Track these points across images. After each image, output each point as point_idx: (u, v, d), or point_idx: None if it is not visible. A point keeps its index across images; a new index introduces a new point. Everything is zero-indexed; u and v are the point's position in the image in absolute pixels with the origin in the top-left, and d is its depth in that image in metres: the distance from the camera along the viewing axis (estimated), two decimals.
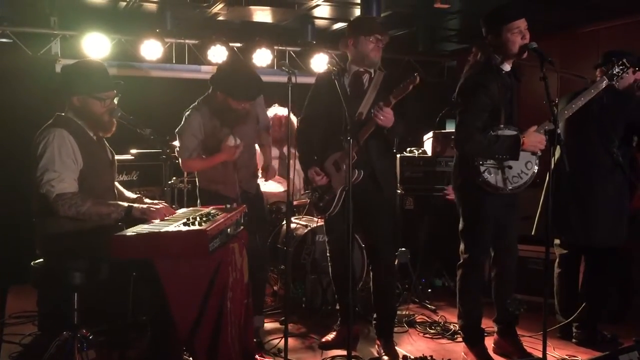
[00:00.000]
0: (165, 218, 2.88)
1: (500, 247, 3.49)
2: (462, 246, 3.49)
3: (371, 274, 3.65)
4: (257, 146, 4.09)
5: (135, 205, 2.94)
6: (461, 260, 3.49)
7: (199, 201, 3.91)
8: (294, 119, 3.99)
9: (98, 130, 3.06)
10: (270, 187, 4.83)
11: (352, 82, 3.53)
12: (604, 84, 3.41)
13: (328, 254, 3.82)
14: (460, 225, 3.48)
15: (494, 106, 3.26)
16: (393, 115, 3.28)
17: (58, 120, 2.98)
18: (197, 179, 3.92)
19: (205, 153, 3.75)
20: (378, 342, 3.62)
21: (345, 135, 3.00)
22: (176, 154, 3.71)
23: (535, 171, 3.30)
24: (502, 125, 3.25)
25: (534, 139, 3.23)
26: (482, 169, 3.27)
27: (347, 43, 3.55)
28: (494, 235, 3.44)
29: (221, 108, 3.65)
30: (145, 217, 2.88)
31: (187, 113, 3.70)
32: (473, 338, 3.52)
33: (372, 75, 3.54)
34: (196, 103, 3.75)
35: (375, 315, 3.66)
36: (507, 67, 3.31)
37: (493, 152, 3.24)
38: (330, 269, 3.83)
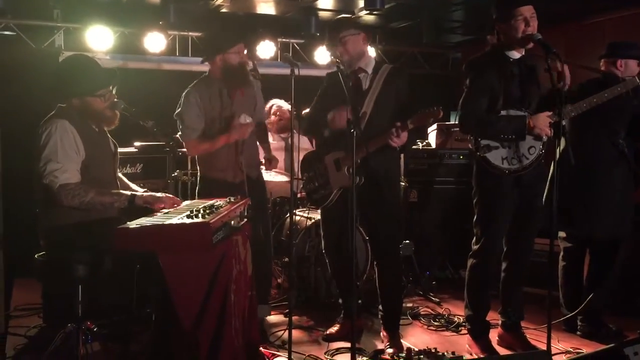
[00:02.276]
0: (169, 210, 2.88)
1: (514, 242, 3.46)
2: (474, 237, 3.47)
3: (376, 268, 3.64)
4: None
5: (138, 193, 2.94)
6: (472, 251, 3.48)
7: (197, 189, 3.80)
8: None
9: (101, 123, 3.06)
10: (274, 178, 4.82)
11: (347, 82, 3.47)
12: (635, 82, 3.37)
13: (323, 248, 3.80)
14: (475, 216, 3.46)
15: (493, 90, 3.24)
16: (406, 136, 3.26)
17: (60, 111, 2.97)
18: (198, 167, 3.82)
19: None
20: (384, 333, 3.62)
21: (349, 128, 2.98)
22: (179, 137, 3.64)
23: (537, 157, 3.26)
24: (503, 109, 3.24)
25: (542, 121, 3.18)
26: (482, 143, 3.27)
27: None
28: (510, 229, 3.41)
29: (220, 85, 3.59)
30: (148, 205, 2.88)
31: (185, 93, 3.61)
32: (478, 330, 3.52)
33: (370, 73, 3.49)
34: (193, 83, 3.66)
35: (381, 307, 3.66)
36: (514, 54, 3.28)
37: (498, 130, 3.22)
38: (327, 263, 3.82)
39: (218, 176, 3.68)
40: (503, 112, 3.24)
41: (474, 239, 3.47)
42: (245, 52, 3.66)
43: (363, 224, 3.77)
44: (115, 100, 3.05)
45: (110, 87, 3.05)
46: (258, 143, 4.05)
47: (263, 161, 3.97)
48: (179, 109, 3.60)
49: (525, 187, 3.33)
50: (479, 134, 3.31)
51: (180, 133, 3.64)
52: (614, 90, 3.35)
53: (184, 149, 4.75)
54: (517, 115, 3.22)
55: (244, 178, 3.65)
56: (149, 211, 2.88)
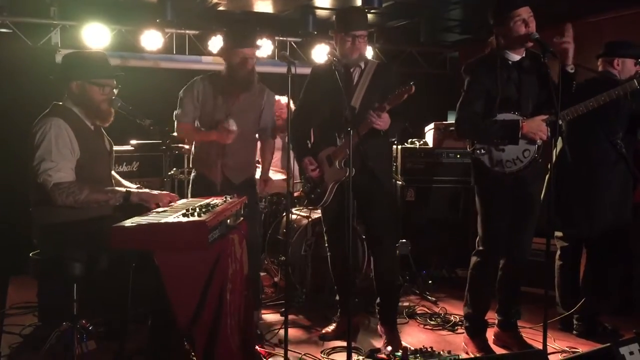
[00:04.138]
0: (165, 208, 2.87)
1: (512, 241, 3.45)
2: (478, 237, 3.48)
3: (372, 264, 3.64)
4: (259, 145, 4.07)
5: (134, 190, 2.93)
6: (475, 250, 3.49)
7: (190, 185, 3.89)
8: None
9: (95, 118, 3.04)
10: (271, 176, 4.80)
11: (341, 75, 3.43)
12: (633, 86, 3.37)
13: (326, 245, 3.81)
14: (478, 215, 3.47)
15: (489, 94, 3.25)
16: (388, 118, 3.25)
17: (55, 109, 2.96)
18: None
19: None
20: (381, 328, 3.62)
21: (345, 126, 2.98)
22: (174, 116, 3.72)
23: (532, 160, 3.26)
24: (498, 113, 3.24)
25: (536, 126, 3.19)
26: (478, 146, 3.31)
27: (334, 37, 3.53)
28: (508, 227, 3.41)
29: (226, 83, 3.63)
30: (143, 202, 2.86)
31: (195, 78, 3.74)
32: (475, 328, 3.52)
33: (363, 68, 3.50)
34: (208, 74, 3.78)
35: (378, 301, 3.65)
36: (514, 57, 3.27)
37: (491, 135, 3.25)
38: (329, 259, 3.82)
39: (202, 171, 3.78)
40: (499, 116, 3.24)
41: (478, 237, 3.48)
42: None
43: (359, 216, 3.76)
44: (113, 97, 3.04)
45: (112, 83, 3.03)
46: (259, 154, 4.06)
47: (259, 165, 3.96)
48: (182, 91, 3.73)
49: (522, 186, 3.33)
50: (473, 139, 3.34)
51: (175, 112, 3.74)
52: (611, 94, 3.36)
53: (181, 145, 4.74)
54: (510, 120, 3.23)
55: (221, 179, 3.69)
56: (144, 209, 2.87)
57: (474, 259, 3.50)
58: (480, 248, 3.45)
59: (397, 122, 3.36)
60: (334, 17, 3.63)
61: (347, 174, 3.19)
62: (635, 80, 3.38)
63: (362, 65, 3.50)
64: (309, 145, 3.70)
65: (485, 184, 3.39)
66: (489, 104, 3.26)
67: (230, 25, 3.66)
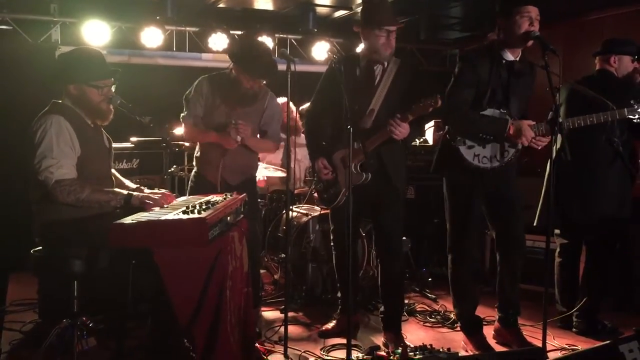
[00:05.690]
0: (165, 206, 2.87)
1: (504, 240, 3.46)
2: (448, 231, 3.49)
3: (380, 270, 3.61)
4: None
5: (135, 193, 2.93)
6: (448, 246, 3.50)
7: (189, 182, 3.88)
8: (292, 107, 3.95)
9: (95, 118, 3.04)
10: (272, 174, 4.81)
11: (363, 73, 3.42)
12: (625, 114, 3.38)
13: (332, 243, 3.81)
14: (446, 208, 3.49)
15: (480, 86, 3.24)
16: (409, 128, 3.21)
17: (54, 107, 2.96)
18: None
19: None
20: (386, 336, 3.56)
21: (346, 125, 2.96)
22: (181, 118, 3.69)
23: (508, 162, 3.28)
24: (487, 108, 3.25)
25: (521, 129, 3.19)
26: (459, 135, 3.31)
27: (359, 32, 3.45)
28: (498, 225, 3.43)
29: (231, 87, 3.61)
30: (144, 205, 2.87)
31: (200, 78, 3.68)
32: (470, 326, 3.53)
33: (385, 66, 3.42)
34: (213, 74, 3.72)
35: (383, 309, 3.61)
36: (509, 56, 3.27)
37: (478, 128, 3.25)
38: (334, 258, 3.81)
39: (201, 169, 3.77)
40: (487, 111, 3.24)
41: (448, 232, 3.49)
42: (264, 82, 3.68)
43: (370, 218, 3.73)
44: (112, 95, 3.03)
45: (110, 82, 3.03)
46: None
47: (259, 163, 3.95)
48: (188, 92, 3.68)
49: (494, 183, 3.35)
50: (460, 128, 3.32)
51: (182, 113, 3.70)
52: (600, 117, 3.37)
53: (181, 142, 4.74)
54: (500, 118, 3.24)
55: (219, 180, 3.67)
56: (144, 208, 2.87)
57: (449, 257, 3.51)
58: (451, 243, 3.46)
59: (415, 131, 3.34)
60: (361, 11, 3.54)
61: (363, 178, 3.18)
62: (625, 109, 3.38)
63: (385, 63, 3.42)
64: (324, 143, 3.61)
65: (454, 173, 3.41)
66: (478, 94, 3.26)
67: (255, 52, 3.55)
